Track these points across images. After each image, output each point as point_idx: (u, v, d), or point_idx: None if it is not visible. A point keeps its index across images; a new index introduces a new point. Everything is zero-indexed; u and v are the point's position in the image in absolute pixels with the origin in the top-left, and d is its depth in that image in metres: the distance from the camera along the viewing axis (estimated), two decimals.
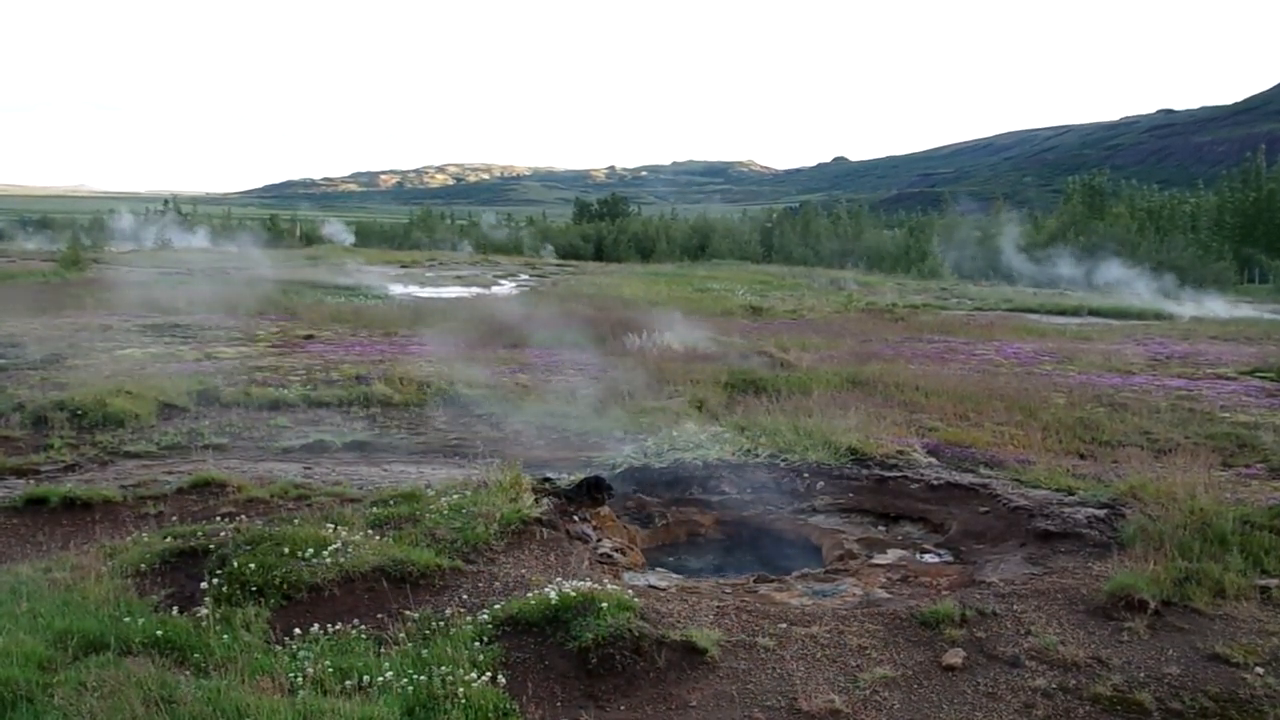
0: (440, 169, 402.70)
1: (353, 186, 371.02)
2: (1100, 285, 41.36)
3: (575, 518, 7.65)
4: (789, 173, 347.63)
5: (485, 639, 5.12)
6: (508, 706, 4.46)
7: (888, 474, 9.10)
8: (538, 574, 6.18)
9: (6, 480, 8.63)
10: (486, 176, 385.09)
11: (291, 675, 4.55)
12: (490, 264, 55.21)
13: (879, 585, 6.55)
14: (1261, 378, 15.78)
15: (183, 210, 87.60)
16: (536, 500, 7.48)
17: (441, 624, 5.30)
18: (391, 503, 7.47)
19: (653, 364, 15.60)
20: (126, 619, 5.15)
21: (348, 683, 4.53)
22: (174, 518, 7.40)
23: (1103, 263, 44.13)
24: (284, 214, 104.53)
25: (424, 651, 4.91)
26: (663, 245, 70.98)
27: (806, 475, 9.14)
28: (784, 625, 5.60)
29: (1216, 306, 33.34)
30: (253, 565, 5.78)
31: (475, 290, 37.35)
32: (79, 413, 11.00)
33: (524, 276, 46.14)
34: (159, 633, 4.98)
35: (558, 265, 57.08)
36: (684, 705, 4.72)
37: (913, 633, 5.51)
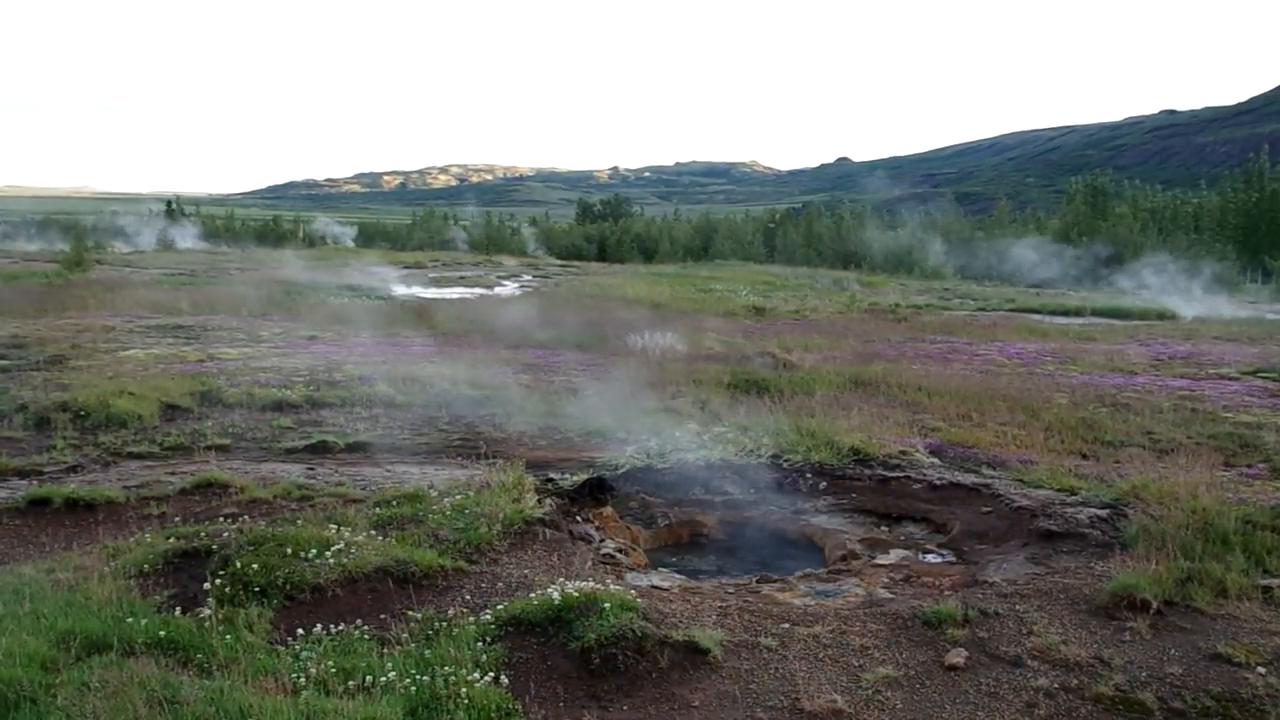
0: (443, 169, 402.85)
1: (356, 187, 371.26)
2: (1102, 285, 41.51)
3: (578, 518, 7.66)
4: (792, 173, 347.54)
5: (488, 639, 5.13)
6: (510, 707, 4.47)
7: (890, 474, 9.10)
8: (540, 574, 6.19)
9: (9, 481, 8.65)
10: (490, 177, 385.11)
11: (294, 676, 4.55)
12: (493, 264, 55.25)
13: (881, 585, 6.55)
14: (1264, 378, 15.76)
15: (185, 211, 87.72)
16: (539, 501, 7.50)
17: (444, 624, 5.31)
18: (394, 503, 7.49)
19: (655, 364, 15.61)
20: (129, 619, 5.16)
21: (351, 683, 4.54)
22: (177, 518, 7.41)
23: (1105, 262, 44.28)
24: (287, 215, 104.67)
25: (427, 652, 4.92)
26: (665, 246, 71.01)
27: (809, 475, 9.15)
28: (787, 625, 5.60)
29: (1219, 307, 33.29)
30: (255, 566, 5.79)
31: (478, 291, 37.36)
32: (82, 414, 11.02)
33: (527, 277, 46.15)
34: (162, 633, 4.99)
35: (560, 266, 57.11)
36: (686, 705, 4.72)
37: (915, 633, 5.51)
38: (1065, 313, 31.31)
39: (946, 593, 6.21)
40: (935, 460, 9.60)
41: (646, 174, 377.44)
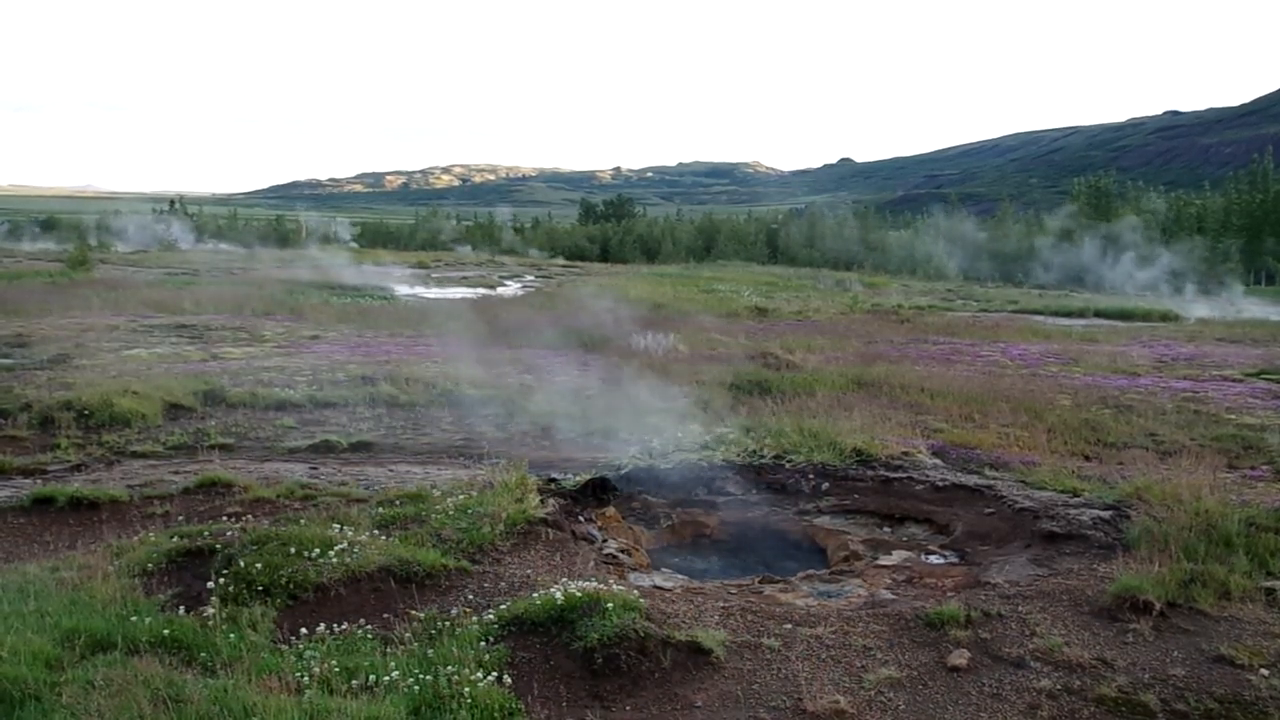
0: (446, 170, 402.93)
1: (359, 187, 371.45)
2: (1106, 286, 41.55)
3: (581, 518, 7.67)
4: (795, 174, 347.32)
5: (491, 639, 5.14)
6: (513, 706, 4.48)
7: (893, 475, 9.09)
8: (543, 574, 6.20)
9: (14, 480, 8.67)
10: (492, 177, 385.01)
11: (298, 675, 4.56)
12: (496, 265, 55.37)
13: (884, 586, 6.55)
14: (1268, 379, 15.74)
15: (188, 211, 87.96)
16: (542, 501, 7.50)
17: (447, 624, 5.32)
18: (397, 503, 7.50)
19: (658, 365, 15.61)
20: (133, 618, 5.17)
21: (354, 682, 4.55)
22: (180, 518, 7.43)
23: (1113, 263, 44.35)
24: (290, 215, 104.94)
25: (430, 651, 4.93)
26: (668, 246, 71.10)
27: (811, 476, 9.15)
28: (789, 626, 5.60)
29: (1223, 308, 33.26)
30: (259, 565, 5.80)
31: (481, 291, 37.41)
32: (86, 413, 11.04)
33: (529, 278, 46.22)
34: (166, 632, 5.00)
35: (563, 266, 57.22)
36: (689, 705, 4.73)
37: (918, 634, 5.51)
38: (1068, 314, 31.30)
39: (949, 594, 6.21)
40: (938, 461, 9.59)
41: (649, 174, 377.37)
